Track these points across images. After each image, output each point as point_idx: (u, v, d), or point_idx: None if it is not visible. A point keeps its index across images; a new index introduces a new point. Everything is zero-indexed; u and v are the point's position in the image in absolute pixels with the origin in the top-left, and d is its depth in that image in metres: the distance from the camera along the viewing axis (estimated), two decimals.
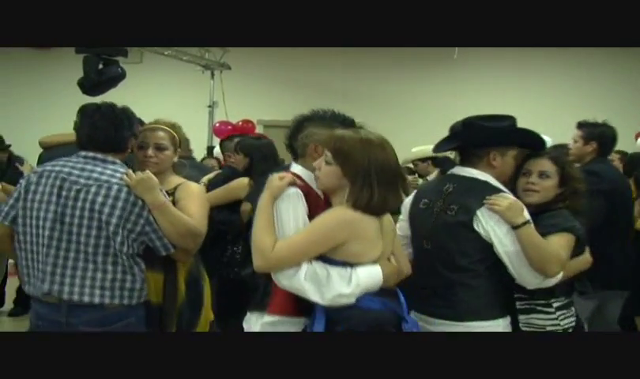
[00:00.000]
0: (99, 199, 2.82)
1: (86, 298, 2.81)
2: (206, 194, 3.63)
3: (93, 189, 2.83)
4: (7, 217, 2.91)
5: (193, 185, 3.28)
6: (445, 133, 3.01)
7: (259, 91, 10.36)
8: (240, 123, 9.43)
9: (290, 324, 2.59)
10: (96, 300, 2.81)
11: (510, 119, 2.98)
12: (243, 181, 4.67)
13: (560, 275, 2.76)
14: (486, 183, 2.86)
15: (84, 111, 2.98)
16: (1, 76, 11.36)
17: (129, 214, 2.85)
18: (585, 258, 3.10)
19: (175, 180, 3.30)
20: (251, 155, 4.80)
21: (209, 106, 9.57)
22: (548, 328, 2.89)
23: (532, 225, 2.72)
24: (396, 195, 2.52)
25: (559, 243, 2.79)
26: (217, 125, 9.31)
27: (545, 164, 2.99)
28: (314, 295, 2.42)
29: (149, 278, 3.01)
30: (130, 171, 2.93)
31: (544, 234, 2.75)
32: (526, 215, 2.73)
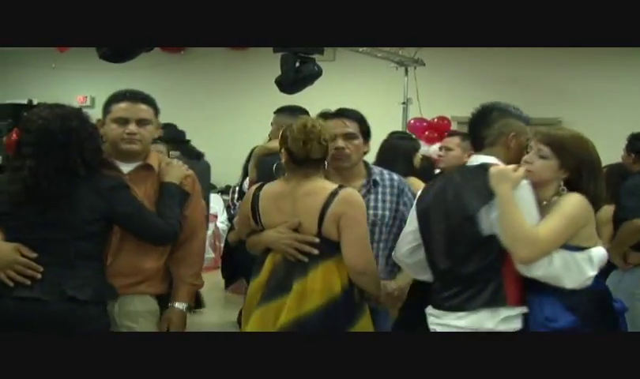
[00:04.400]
0: None
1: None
2: None
3: None
4: None
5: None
6: None
7: (454, 87, 10.30)
8: (435, 120, 9.49)
9: (522, 315, 2.77)
10: None
11: None
12: None
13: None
14: None
15: None
16: (200, 77, 12.12)
17: None
18: None
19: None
20: None
21: (403, 103, 9.61)
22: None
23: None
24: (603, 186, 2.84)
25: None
26: (412, 122, 9.41)
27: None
28: (567, 282, 2.67)
29: None
30: None
31: None
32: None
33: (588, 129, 3.02)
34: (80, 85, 12.60)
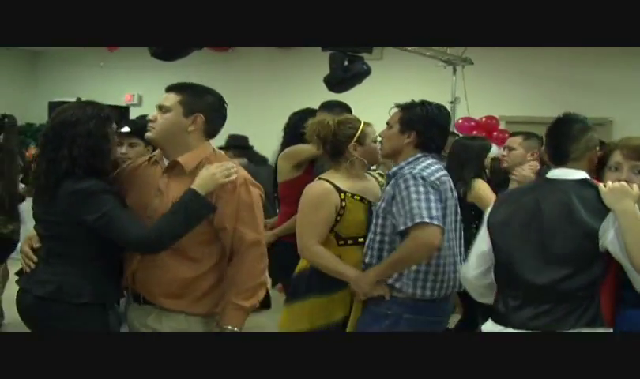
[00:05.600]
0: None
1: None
2: None
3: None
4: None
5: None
6: None
7: (502, 86, 10.26)
8: (483, 119, 9.46)
9: None
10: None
11: None
12: None
13: None
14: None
15: None
16: (247, 75, 12.24)
17: None
18: None
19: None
20: None
21: (451, 103, 9.58)
22: None
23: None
24: None
25: None
26: (460, 121, 9.40)
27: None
28: None
29: None
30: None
31: None
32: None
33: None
34: (128, 84, 12.82)
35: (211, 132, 3.14)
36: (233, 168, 2.99)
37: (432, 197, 3.22)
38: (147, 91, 12.86)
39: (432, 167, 3.36)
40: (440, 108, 3.53)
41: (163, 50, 4.56)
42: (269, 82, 11.99)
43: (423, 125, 3.43)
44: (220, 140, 7.58)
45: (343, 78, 5.87)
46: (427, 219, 3.15)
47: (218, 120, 3.16)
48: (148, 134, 3.08)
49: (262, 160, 7.28)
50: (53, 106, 12.24)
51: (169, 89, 3.10)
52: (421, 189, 3.23)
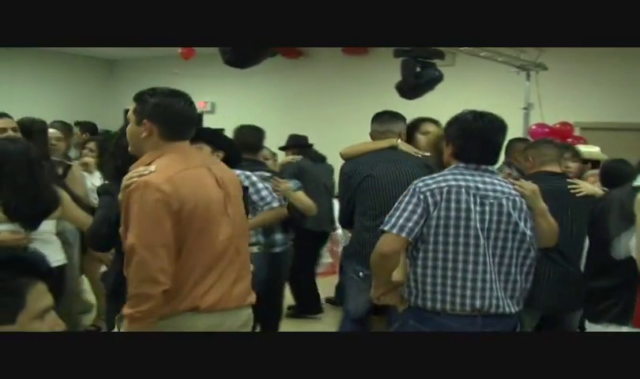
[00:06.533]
0: (512, 211, 3.25)
1: (506, 309, 3.24)
2: None
3: (504, 202, 3.25)
4: (411, 233, 3.24)
5: None
6: None
7: (578, 92, 10.11)
8: (557, 126, 9.33)
9: None
10: (511, 310, 3.26)
11: None
12: None
13: None
14: None
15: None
16: (318, 82, 12.35)
17: (529, 223, 3.29)
18: None
19: None
20: None
21: (524, 109, 9.48)
22: None
23: None
24: None
25: None
26: (533, 127, 9.28)
27: None
28: None
29: None
30: (520, 181, 3.38)
31: None
32: None
33: None
34: (202, 91, 13.05)
35: (170, 133, 3.10)
36: (137, 173, 2.96)
37: (408, 207, 3.25)
38: (220, 98, 13.11)
39: (443, 177, 3.35)
40: (478, 117, 3.41)
41: (235, 57, 4.64)
42: (339, 88, 12.08)
43: (456, 136, 3.42)
44: (281, 140, 7.83)
45: (415, 85, 5.88)
46: (385, 227, 3.24)
47: (170, 119, 3.10)
48: None
49: (321, 158, 7.83)
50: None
51: (133, 99, 3.17)
52: (406, 198, 3.29)
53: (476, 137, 3.36)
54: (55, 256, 4.23)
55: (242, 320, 3.19)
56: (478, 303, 3.22)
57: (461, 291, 3.24)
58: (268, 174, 5.16)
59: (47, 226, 4.28)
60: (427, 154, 4.54)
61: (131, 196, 2.92)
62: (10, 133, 4.78)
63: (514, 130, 9.48)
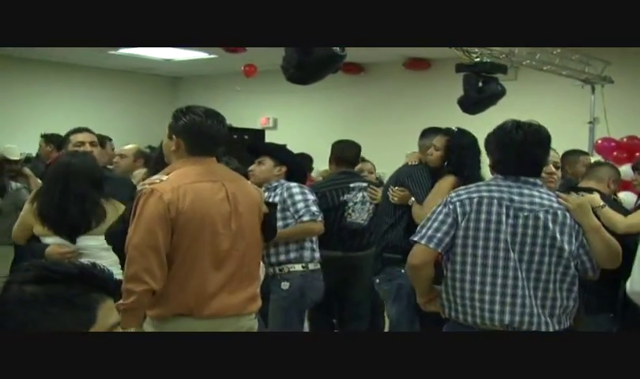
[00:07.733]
0: (551, 225, 3.13)
1: (542, 327, 3.12)
2: None
3: (542, 215, 3.15)
4: (440, 244, 3.21)
5: None
6: None
7: None
8: (624, 140, 9.16)
9: None
10: (549, 328, 3.13)
11: None
12: None
13: None
14: None
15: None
16: (379, 97, 12.36)
17: (574, 238, 3.15)
18: None
19: None
20: None
21: (590, 123, 9.38)
22: None
23: None
24: None
25: None
26: (599, 142, 9.14)
27: None
28: None
29: None
30: (566, 195, 3.26)
31: None
32: None
33: None
34: (264, 107, 13.21)
35: (194, 149, 3.38)
36: (150, 181, 3.30)
37: (439, 218, 3.24)
38: (282, 114, 13.22)
39: (477, 188, 3.33)
40: (516, 128, 3.32)
41: (298, 74, 4.70)
42: (400, 104, 12.06)
43: (494, 147, 3.41)
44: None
45: (477, 99, 5.86)
46: (415, 238, 3.25)
47: (195, 136, 3.38)
48: None
49: None
50: None
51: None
52: (438, 208, 3.29)
53: (512, 149, 3.29)
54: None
55: (243, 329, 3.35)
56: (507, 319, 3.13)
57: (490, 306, 3.16)
58: (364, 185, 5.46)
59: (92, 241, 4.09)
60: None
61: (139, 200, 3.23)
62: (87, 147, 4.79)
63: (580, 144, 9.37)
